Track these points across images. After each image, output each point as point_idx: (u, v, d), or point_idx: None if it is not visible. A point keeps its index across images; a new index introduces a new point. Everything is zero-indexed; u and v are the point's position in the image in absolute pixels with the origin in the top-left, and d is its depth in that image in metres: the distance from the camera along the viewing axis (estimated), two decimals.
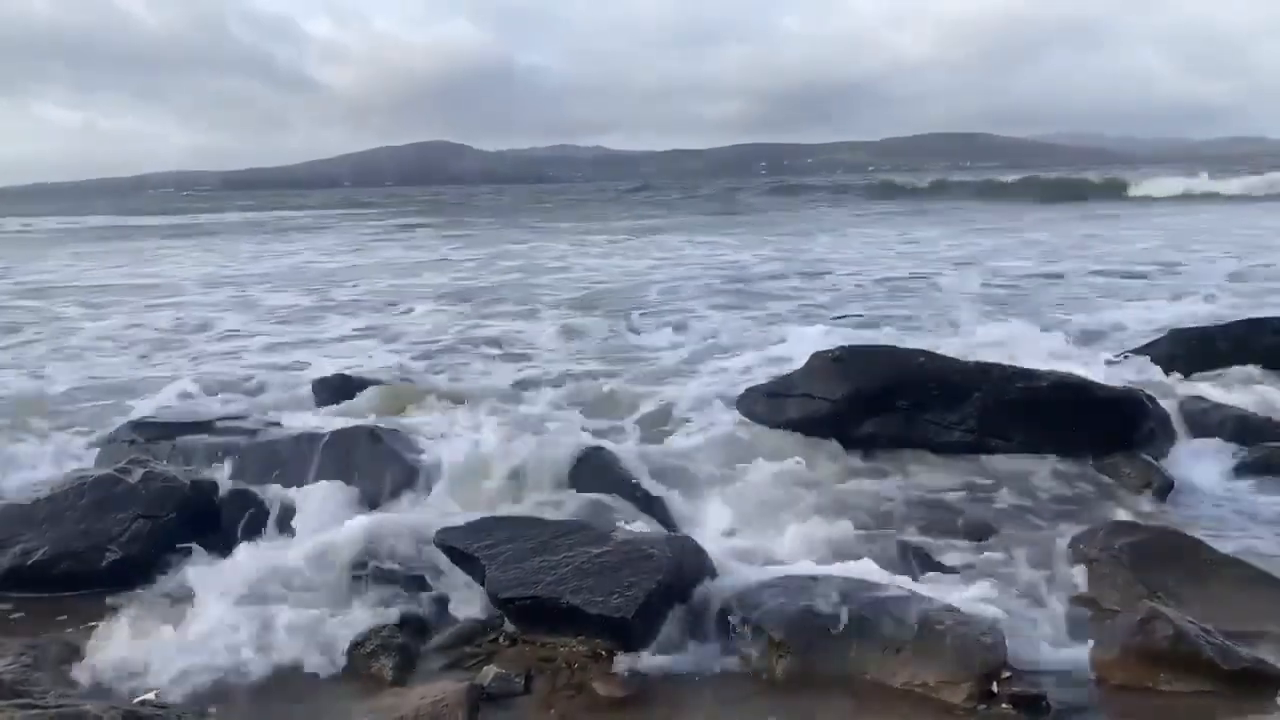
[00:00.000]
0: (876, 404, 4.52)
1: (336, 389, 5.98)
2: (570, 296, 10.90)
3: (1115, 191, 36.15)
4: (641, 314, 9.46)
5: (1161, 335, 5.83)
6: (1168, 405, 4.77)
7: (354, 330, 9.01)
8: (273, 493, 3.94)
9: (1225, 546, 3.33)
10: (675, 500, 3.99)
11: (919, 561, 3.37)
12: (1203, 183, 34.87)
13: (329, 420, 5.17)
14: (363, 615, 3.00)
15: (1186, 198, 31.68)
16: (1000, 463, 4.33)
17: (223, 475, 4.16)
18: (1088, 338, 7.00)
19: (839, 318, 8.99)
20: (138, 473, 3.65)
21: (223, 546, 3.51)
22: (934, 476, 4.24)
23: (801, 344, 6.25)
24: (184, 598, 3.15)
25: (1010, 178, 43.26)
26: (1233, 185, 33.49)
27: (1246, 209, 25.08)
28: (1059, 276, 11.56)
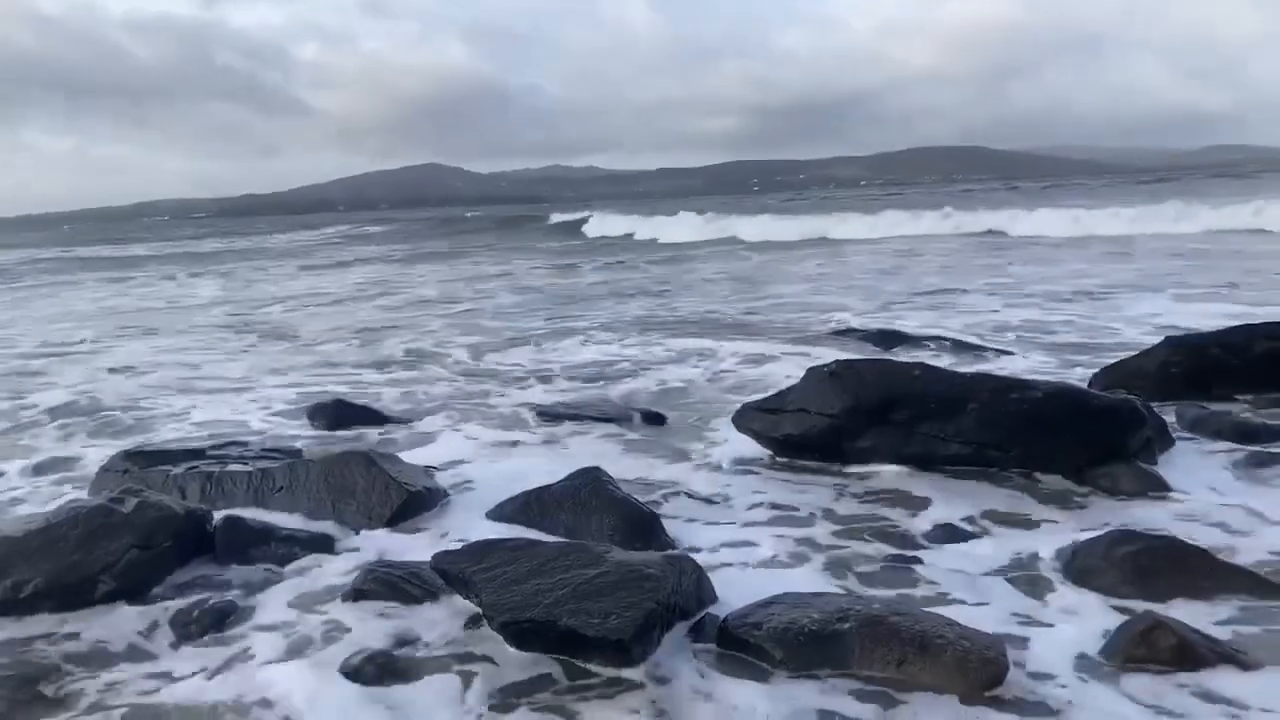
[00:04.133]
0: (873, 418, 4.51)
1: (331, 415, 5.98)
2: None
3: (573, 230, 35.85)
4: None
5: (1157, 343, 5.83)
6: (1164, 411, 4.77)
7: None
8: (268, 519, 3.93)
9: (1226, 553, 3.31)
10: (672, 519, 3.97)
11: (917, 575, 3.35)
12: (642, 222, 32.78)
13: (325, 445, 5.17)
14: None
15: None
16: (997, 474, 4.33)
17: (217, 503, 4.15)
18: None
19: None
20: (131, 502, 3.62)
21: (218, 574, 3.51)
22: (931, 489, 4.22)
23: None
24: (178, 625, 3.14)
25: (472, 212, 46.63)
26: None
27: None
28: None
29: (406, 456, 4.74)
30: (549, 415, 5.89)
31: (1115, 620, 2.87)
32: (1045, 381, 4.65)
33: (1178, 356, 5.55)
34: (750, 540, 3.76)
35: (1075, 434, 4.26)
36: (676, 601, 2.91)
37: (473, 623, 3.04)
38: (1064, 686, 2.58)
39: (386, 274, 21.60)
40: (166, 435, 6.01)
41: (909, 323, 9.11)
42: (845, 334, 8.46)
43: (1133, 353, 6.01)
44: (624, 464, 4.78)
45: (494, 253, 28.21)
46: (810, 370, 4.85)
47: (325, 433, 5.76)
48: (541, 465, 4.77)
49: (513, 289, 15.82)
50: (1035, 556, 3.47)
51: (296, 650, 2.97)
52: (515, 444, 5.34)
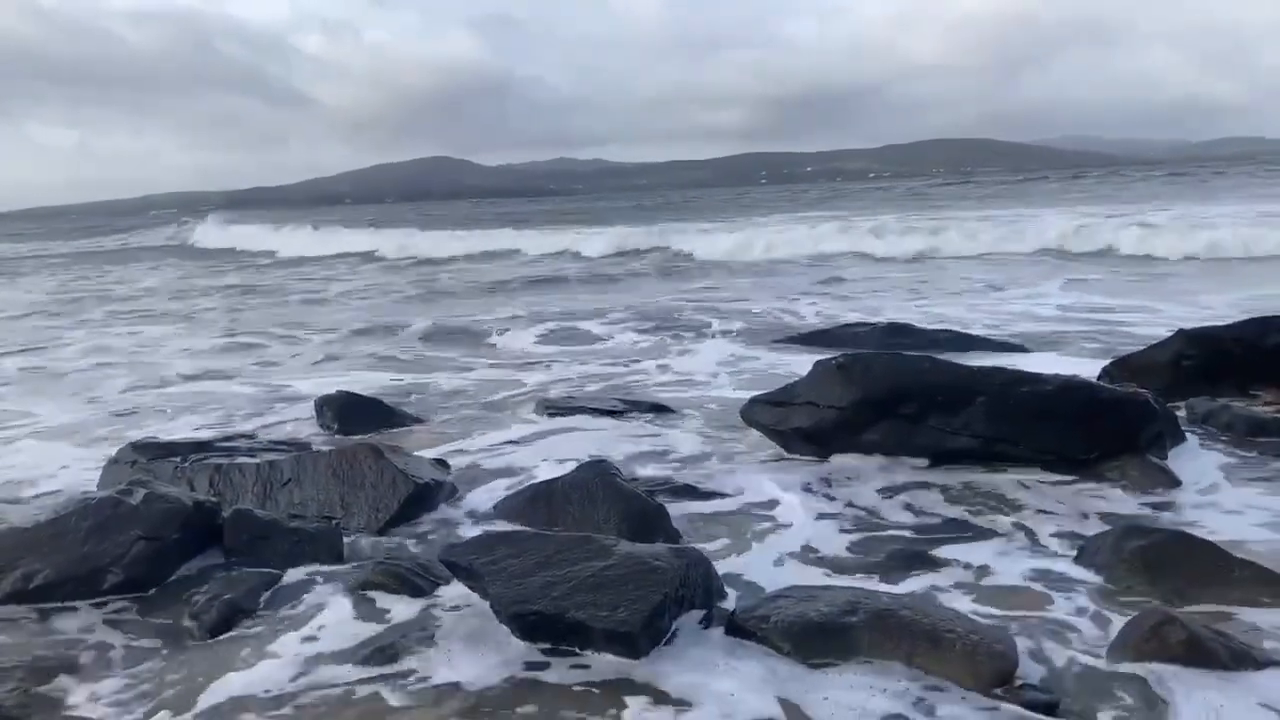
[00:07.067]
0: (881, 411, 4.50)
1: (339, 409, 5.98)
2: None
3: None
4: None
5: (1170, 336, 5.78)
6: (1175, 405, 4.74)
7: None
8: (276, 511, 3.93)
9: (1237, 547, 3.29)
10: (679, 512, 3.96)
11: (926, 568, 3.34)
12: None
13: (333, 439, 5.18)
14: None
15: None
16: (1007, 467, 4.30)
17: (225, 495, 4.16)
18: None
19: None
20: (139, 494, 3.62)
21: (226, 566, 3.51)
22: (941, 483, 4.21)
23: None
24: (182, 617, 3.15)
25: None
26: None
27: None
28: None
29: (414, 450, 4.74)
30: (557, 408, 5.88)
31: (1125, 614, 2.85)
32: (1055, 375, 4.62)
33: (1191, 350, 5.51)
34: (758, 533, 3.75)
35: (1085, 427, 4.24)
36: (684, 594, 2.91)
37: (481, 615, 3.03)
38: (1073, 680, 2.57)
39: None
40: (176, 427, 6.03)
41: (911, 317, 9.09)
42: (849, 328, 8.42)
43: (1145, 346, 5.96)
44: (632, 457, 4.78)
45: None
46: (818, 363, 4.83)
47: (333, 427, 5.76)
48: (549, 458, 4.77)
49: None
50: (1044, 550, 3.46)
51: (305, 642, 2.97)
52: (523, 437, 5.33)
